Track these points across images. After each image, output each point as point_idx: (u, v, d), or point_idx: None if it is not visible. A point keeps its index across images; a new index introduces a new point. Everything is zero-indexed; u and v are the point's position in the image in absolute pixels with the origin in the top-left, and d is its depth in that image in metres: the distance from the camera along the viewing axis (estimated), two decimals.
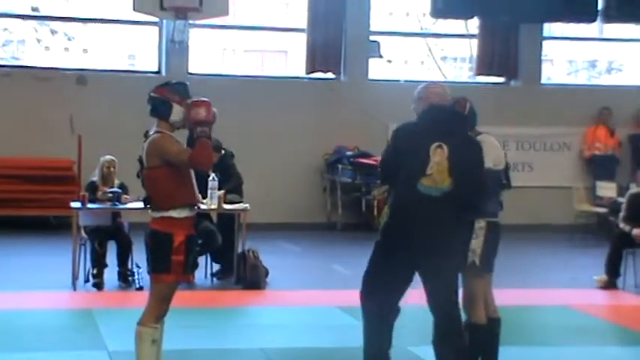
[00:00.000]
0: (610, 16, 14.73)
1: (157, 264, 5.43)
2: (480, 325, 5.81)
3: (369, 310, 5.44)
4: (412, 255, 5.32)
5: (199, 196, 5.83)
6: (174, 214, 5.42)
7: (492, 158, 5.68)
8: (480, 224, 5.71)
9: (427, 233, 5.28)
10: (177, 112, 5.65)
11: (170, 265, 5.37)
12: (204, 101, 5.54)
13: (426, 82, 5.56)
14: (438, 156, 5.30)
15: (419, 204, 5.28)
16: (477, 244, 5.72)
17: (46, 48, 15.71)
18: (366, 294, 5.45)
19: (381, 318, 5.44)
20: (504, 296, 8.02)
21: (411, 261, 5.33)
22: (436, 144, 5.30)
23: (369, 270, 5.49)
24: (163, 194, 5.52)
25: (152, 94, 5.68)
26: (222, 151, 10.13)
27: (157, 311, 5.48)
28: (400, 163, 5.38)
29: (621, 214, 9.85)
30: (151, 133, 5.63)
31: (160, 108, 5.64)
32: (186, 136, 5.71)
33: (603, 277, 9.66)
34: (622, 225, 9.73)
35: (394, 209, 5.43)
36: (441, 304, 5.37)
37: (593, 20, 14.69)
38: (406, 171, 5.34)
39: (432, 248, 5.29)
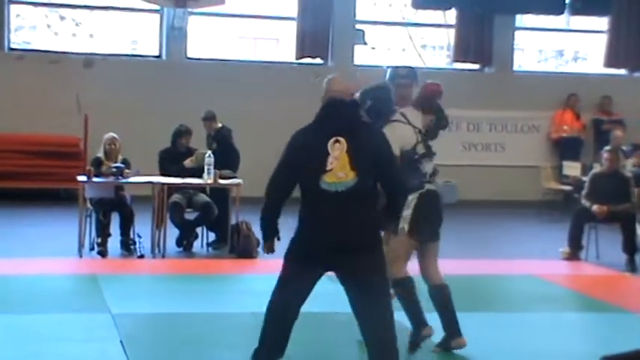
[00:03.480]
0: (576, 9, 14.76)
1: None
2: (400, 279, 5.76)
3: (274, 313, 4.89)
4: (327, 257, 4.68)
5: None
6: None
7: (395, 144, 5.28)
8: (410, 197, 5.55)
9: (339, 231, 4.65)
10: None
11: None
12: None
13: (331, 76, 5.06)
14: (337, 150, 4.73)
15: (325, 202, 4.68)
16: (406, 213, 5.63)
17: (55, 33, 15.59)
18: (276, 301, 4.89)
19: (284, 320, 4.88)
20: (475, 266, 8.12)
21: (327, 264, 4.72)
22: (333, 139, 4.73)
23: (280, 282, 4.86)
24: None
25: None
26: (220, 125, 10.10)
27: None
28: (299, 170, 4.79)
29: (584, 192, 9.90)
30: None
31: None
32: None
33: (567, 249, 9.71)
34: (583, 201, 9.78)
35: (301, 215, 4.81)
36: (370, 312, 4.73)
37: (561, 12, 14.72)
38: (307, 172, 4.75)
39: (348, 246, 4.65)
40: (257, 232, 9.42)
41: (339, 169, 4.70)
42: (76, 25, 15.67)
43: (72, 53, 14.01)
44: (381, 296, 4.75)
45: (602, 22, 15.17)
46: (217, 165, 9.35)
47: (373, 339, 4.75)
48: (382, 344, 4.75)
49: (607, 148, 10.29)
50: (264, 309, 4.75)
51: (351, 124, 4.84)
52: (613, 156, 9.87)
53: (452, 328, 5.97)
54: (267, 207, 4.94)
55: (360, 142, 4.74)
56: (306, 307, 4.85)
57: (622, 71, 15.21)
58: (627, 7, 14.80)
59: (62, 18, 15.56)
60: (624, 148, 12.77)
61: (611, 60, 15.02)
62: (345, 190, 4.67)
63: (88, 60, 13.66)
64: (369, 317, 4.73)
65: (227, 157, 9.82)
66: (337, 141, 4.73)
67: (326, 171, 4.69)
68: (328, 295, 5.59)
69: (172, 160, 9.63)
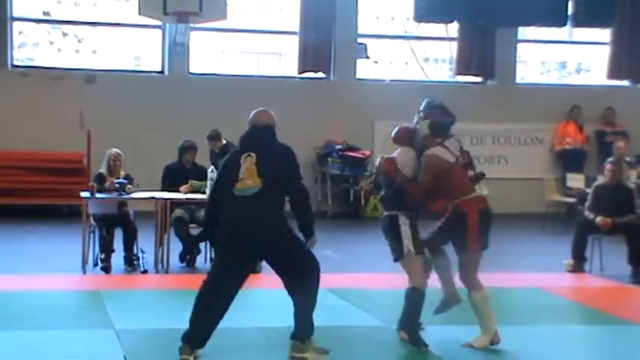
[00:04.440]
0: (579, 21, 14.80)
1: None
2: (420, 290, 6.29)
3: (205, 296, 5.80)
4: (248, 250, 5.67)
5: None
6: None
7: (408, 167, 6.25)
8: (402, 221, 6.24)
9: (251, 225, 5.64)
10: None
11: None
12: None
13: (255, 110, 6.12)
14: (247, 162, 5.74)
15: (237, 205, 5.69)
16: (406, 237, 6.21)
17: (58, 49, 15.67)
18: (206, 288, 5.81)
19: (216, 303, 5.79)
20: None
21: (250, 255, 5.76)
22: (245, 154, 5.78)
23: (212, 273, 5.83)
24: None
25: None
26: (224, 141, 10.15)
27: None
28: (221, 183, 5.84)
29: (587, 204, 9.89)
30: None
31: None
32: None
33: (571, 261, 9.70)
34: (587, 213, 9.76)
35: (223, 219, 5.76)
36: (290, 273, 5.75)
37: (564, 25, 14.75)
38: (226, 183, 5.78)
39: (257, 236, 5.63)
40: None
41: (248, 177, 5.69)
42: (79, 41, 15.74)
43: (75, 69, 14.06)
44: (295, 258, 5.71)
45: (605, 34, 15.20)
46: None
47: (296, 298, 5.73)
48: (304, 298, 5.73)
49: (610, 159, 10.29)
50: (268, 323, 4.84)
51: (264, 143, 5.84)
52: (616, 167, 9.87)
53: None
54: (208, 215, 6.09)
55: (269, 156, 5.76)
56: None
57: (625, 83, 15.24)
58: (630, 19, 14.85)
59: (65, 34, 15.63)
60: (628, 159, 12.80)
61: (614, 71, 15.05)
62: (252, 195, 5.65)
63: (91, 76, 13.71)
64: (293, 288, 5.75)
65: None
66: (249, 155, 5.76)
67: (238, 180, 5.70)
68: (330, 310, 5.61)
69: (177, 175, 9.65)
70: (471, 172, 6.46)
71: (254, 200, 5.65)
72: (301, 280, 5.73)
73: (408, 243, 6.22)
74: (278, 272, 5.84)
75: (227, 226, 5.72)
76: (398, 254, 6.27)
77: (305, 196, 5.92)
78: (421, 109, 6.51)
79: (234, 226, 5.68)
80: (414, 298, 6.28)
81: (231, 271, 5.75)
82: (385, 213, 6.43)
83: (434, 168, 6.30)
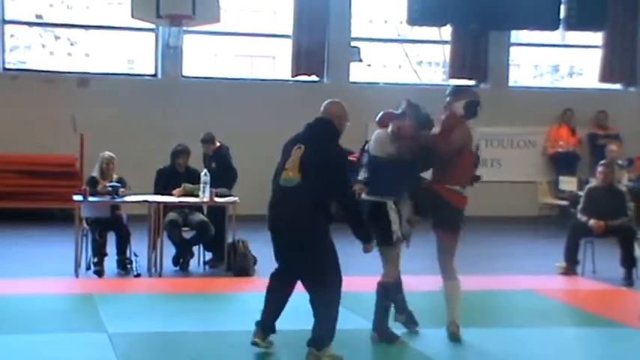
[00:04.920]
0: (571, 25, 14.83)
1: None
2: (389, 285, 6.43)
3: (271, 285, 6.08)
4: (278, 234, 5.89)
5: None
6: None
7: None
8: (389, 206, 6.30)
9: (282, 216, 5.83)
10: None
11: None
12: None
13: (327, 101, 6.11)
14: (295, 154, 5.83)
15: (278, 193, 5.88)
16: (394, 223, 6.29)
17: (51, 53, 15.67)
18: (273, 274, 6.11)
19: (280, 291, 6.03)
20: (472, 282, 8.11)
21: (280, 238, 5.92)
22: (298, 145, 5.85)
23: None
24: None
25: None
26: (218, 144, 10.17)
27: None
28: (277, 168, 5.96)
29: (579, 206, 9.92)
30: None
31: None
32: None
33: (564, 264, 9.72)
34: (579, 216, 9.79)
35: (268, 205, 5.97)
36: (312, 286, 5.81)
37: (556, 28, 14.78)
38: (278, 169, 5.94)
39: (286, 229, 5.82)
40: (253, 250, 9.50)
41: (291, 169, 5.79)
42: (71, 44, 15.74)
43: (67, 73, 14.05)
44: (313, 265, 5.76)
45: (597, 38, 15.24)
46: (215, 183, 9.38)
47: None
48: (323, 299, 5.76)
49: (602, 162, 10.32)
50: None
51: (316, 138, 5.85)
52: (608, 170, 9.90)
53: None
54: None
55: (313, 152, 5.76)
56: (299, 325, 4.84)
57: (617, 86, 15.28)
58: (621, 22, 14.89)
59: (57, 38, 15.63)
60: (620, 162, 12.82)
61: (606, 75, 15.09)
62: (291, 187, 5.75)
63: (84, 79, 13.70)
64: (309, 282, 5.81)
65: (225, 176, 9.87)
66: (299, 147, 5.82)
67: (285, 169, 5.82)
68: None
69: (170, 179, 9.65)
70: (475, 170, 6.59)
71: (292, 193, 5.75)
72: (319, 289, 5.73)
73: (396, 229, 6.29)
74: (299, 276, 5.90)
75: (268, 213, 5.93)
76: (387, 240, 6.28)
77: (349, 203, 5.87)
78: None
79: (271, 216, 5.89)
80: (384, 295, 6.37)
81: (278, 256, 5.95)
82: (370, 198, 6.39)
83: (464, 139, 6.51)
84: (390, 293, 6.44)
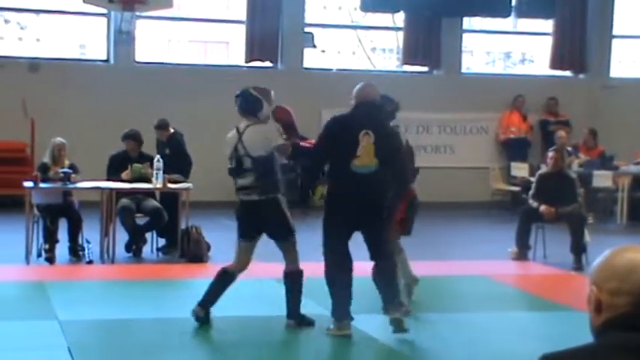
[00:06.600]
0: (522, 12, 14.94)
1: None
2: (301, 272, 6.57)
3: (341, 268, 6.22)
4: (353, 220, 6.14)
5: None
6: None
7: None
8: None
9: (363, 203, 6.09)
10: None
11: None
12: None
13: (364, 83, 6.35)
14: (365, 141, 6.06)
15: (353, 180, 6.07)
16: (290, 217, 6.47)
17: (0, 37, 15.38)
18: (334, 260, 6.22)
19: (349, 270, 6.24)
20: (425, 267, 8.15)
21: (354, 224, 6.18)
22: (364, 131, 6.06)
23: (328, 240, 6.23)
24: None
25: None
26: (172, 130, 10.07)
27: None
28: (333, 149, 6.14)
29: (530, 192, 9.99)
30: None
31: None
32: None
33: (515, 249, 9.79)
34: (530, 201, 9.86)
35: (334, 187, 6.22)
36: (378, 249, 6.23)
37: (508, 15, 14.87)
38: (340, 154, 6.11)
39: (367, 213, 6.12)
40: (207, 237, 9.44)
41: (365, 155, 6.06)
42: (22, 28, 15.46)
43: (18, 57, 13.80)
44: (384, 239, 6.32)
45: (548, 25, 15.37)
46: (169, 170, 9.29)
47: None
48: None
49: (552, 148, 10.40)
50: (214, 313, 4.71)
51: (378, 122, 6.21)
52: (558, 156, 9.97)
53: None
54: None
55: (383, 137, 6.13)
56: (254, 312, 4.82)
57: (567, 73, 15.43)
58: (570, 10, 15.02)
59: (7, 21, 15.34)
60: (569, 148, 12.97)
61: (556, 62, 15.23)
62: (368, 173, 6.06)
63: (34, 64, 13.47)
64: (376, 246, 6.27)
65: (179, 163, 9.78)
66: (367, 134, 6.08)
67: (356, 156, 6.06)
68: (275, 300, 5.55)
69: (122, 165, 9.54)
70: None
71: (373, 178, 6.10)
72: (384, 257, 6.23)
73: (292, 223, 6.43)
74: (368, 244, 6.29)
75: (345, 198, 6.14)
76: (290, 233, 6.41)
77: (405, 172, 6.46)
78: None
79: (353, 200, 6.10)
80: (299, 281, 6.45)
81: (343, 238, 6.20)
82: (260, 197, 6.43)
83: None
84: (300, 279, 6.52)
